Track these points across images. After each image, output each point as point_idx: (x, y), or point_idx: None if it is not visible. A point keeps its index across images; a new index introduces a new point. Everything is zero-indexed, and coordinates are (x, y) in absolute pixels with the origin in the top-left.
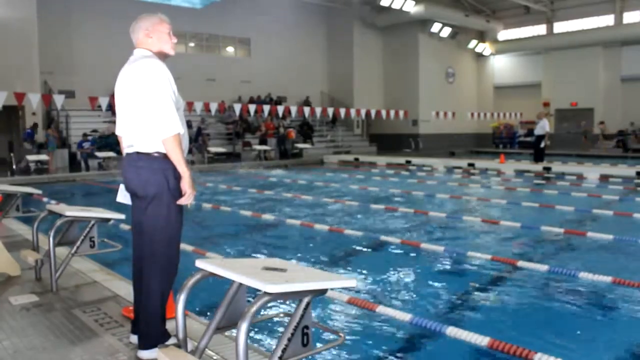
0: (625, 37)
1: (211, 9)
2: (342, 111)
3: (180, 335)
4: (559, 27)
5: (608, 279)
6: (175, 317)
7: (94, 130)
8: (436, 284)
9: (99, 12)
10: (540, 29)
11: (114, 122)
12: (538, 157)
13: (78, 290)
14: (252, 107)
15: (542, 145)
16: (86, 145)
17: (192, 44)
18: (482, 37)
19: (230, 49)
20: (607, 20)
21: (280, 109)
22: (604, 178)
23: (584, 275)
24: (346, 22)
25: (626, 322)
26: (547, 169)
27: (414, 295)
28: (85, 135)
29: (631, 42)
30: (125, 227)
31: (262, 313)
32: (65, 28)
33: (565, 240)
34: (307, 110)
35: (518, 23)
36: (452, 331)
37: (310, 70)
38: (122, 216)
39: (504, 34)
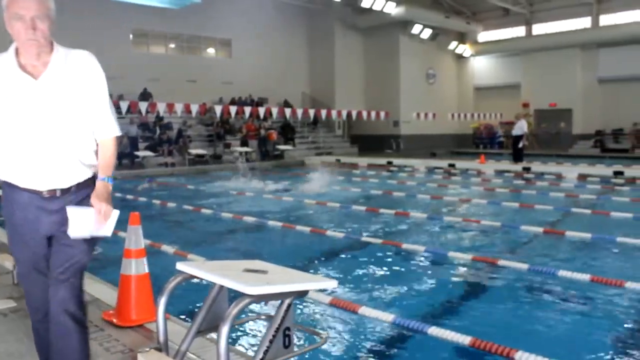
0: (602, 39)
1: (191, 10)
2: (324, 112)
3: (161, 338)
4: (538, 28)
5: (586, 277)
6: (156, 320)
7: None
8: (418, 284)
9: (79, 13)
10: (520, 31)
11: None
12: (517, 157)
13: None
14: (233, 109)
15: (520, 145)
16: None
17: (172, 45)
18: (462, 38)
19: (211, 50)
20: (584, 22)
21: (262, 110)
22: (582, 178)
23: (563, 273)
24: (327, 24)
25: (604, 320)
26: (527, 169)
27: (396, 296)
28: None
29: (607, 44)
30: None
31: (243, 315)
32: None
33: (544, 239)
34: (288, 111)
35: (498, 25)
36: (434, 331)
37: (292, 72)
38: None
39: (484, 36)
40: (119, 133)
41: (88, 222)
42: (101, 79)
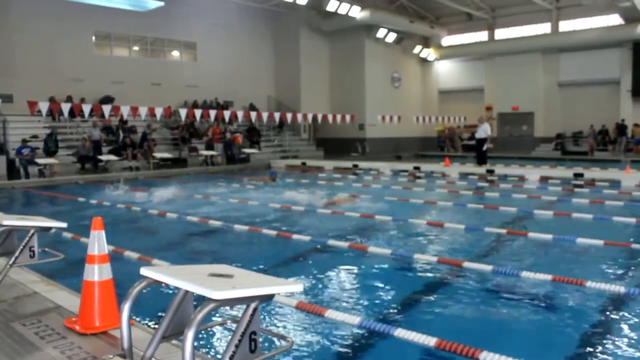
0: (562, 44)
1: (156, 13)
2: (289, 115)
3: (125, 345)
4: (500, 33)
5: (548, 277)
6: (120, 327)
7: (34, 136)
8: (384, 287)
9: (40, 13)
10: (482, 36)
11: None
12: (481, 159)
13: (17, 302)
14: (198, 112)
15: (485, 148)
16: (25, 151)
17: (136, 48)
18: (426, 42)
19: (175, 53)
20: (545, 28)
21: (227, 113)
22: (544, 180)
23: (525, 274)
24: (292, 27)
25: (566, 319)
26: (491, 172)
27: (362, 299)
28: (24, 141)
29: (567, 49)
30: (68, 235)
31: (211, 320)
32: (2, 29)
33: (508, 240)
34: (254, 114)
35: (461, 29)
36: (400, 332)
37: (257, 75)
38: (64, 224)
39: (448, 40)
40: None
41: None
42: None
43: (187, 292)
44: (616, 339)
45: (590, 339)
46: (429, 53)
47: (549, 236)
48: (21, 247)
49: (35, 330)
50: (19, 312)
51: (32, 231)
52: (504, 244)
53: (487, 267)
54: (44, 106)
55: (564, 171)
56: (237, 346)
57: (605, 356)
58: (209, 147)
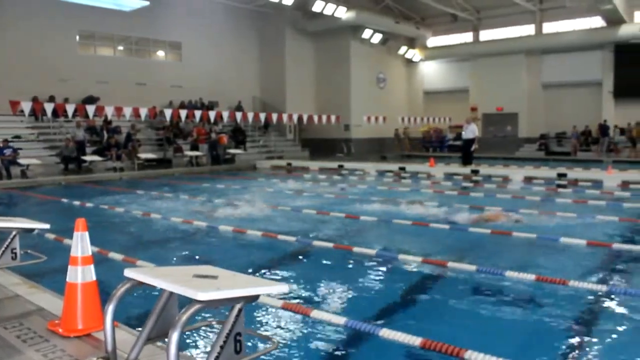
0: (545, 46)
1: (141, 12)
2: (275, 116)
3: (109, 347)
4: (485, 35)
5: (532, 276)
6: (104, 329)
7: (16, 136)
8: (369, 287)
9: (22, 12)
10: (467, 37)
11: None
12: (466, 160)
13: None
14: (183, 112)
15: (472, 148)
16: (7, 152)
17: (121, 48)
18: (411, 43)
19: (160, 53)
20: (529, 29)
21: (212, 114)
22: (528, 180)
23: (510, 274)
24: (278, 28)
25: (549, 317)
26: (475, 172)
27: (348, 299)
28: (5, 141)
29: (550, 51)
30: (51, 236)
31: (196, 321)
32: None
33: (492, 240)
34: (239, 115)
35: (446, 30)
36: (385, 332)
37: (242, 75)
38: (47, 226)
39: (433, 41)
40: None
41: None
42: None
43: (171, 293)
44: (599, 338)
45: (573, 338)
46: (414, 54)
47: (533, 235)
48: (3, 248)
49: (17, 334)
50: (0, 315)
51: (14, 232)
52: (489, 244)
53: (472, 267)
54: (26, 106)
55: (547, 171)
56: (222, 347)
57: (588, 355)
58: (194, 147)
